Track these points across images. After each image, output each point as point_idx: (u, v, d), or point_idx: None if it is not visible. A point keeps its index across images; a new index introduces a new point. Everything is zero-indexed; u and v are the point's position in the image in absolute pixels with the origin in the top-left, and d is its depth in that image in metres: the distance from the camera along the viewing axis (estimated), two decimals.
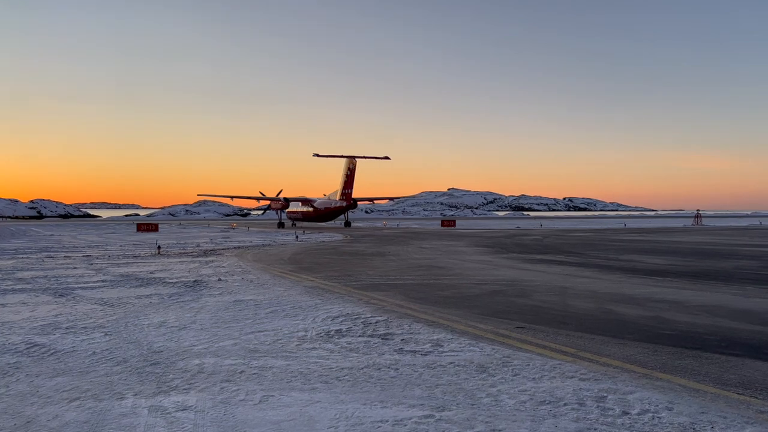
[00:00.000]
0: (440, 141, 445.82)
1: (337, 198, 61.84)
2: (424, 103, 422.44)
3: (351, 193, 61.19)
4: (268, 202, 68.04)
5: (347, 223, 64.03)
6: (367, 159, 63.55)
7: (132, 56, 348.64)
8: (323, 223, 65.12)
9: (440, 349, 7.19)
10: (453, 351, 7.10)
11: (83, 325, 9.01)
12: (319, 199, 64.65)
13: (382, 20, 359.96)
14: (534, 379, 5.90)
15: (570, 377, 5.95)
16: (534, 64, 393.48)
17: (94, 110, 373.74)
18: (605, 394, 5.37)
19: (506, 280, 14.47)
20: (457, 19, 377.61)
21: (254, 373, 6.24)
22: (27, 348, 7.51)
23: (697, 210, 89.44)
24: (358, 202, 66.69)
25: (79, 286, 13.94)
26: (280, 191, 65.71)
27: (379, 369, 6.34)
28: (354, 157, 61.44)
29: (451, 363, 6.55)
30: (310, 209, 64.21)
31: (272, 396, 5.44)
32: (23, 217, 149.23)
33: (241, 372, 6.30)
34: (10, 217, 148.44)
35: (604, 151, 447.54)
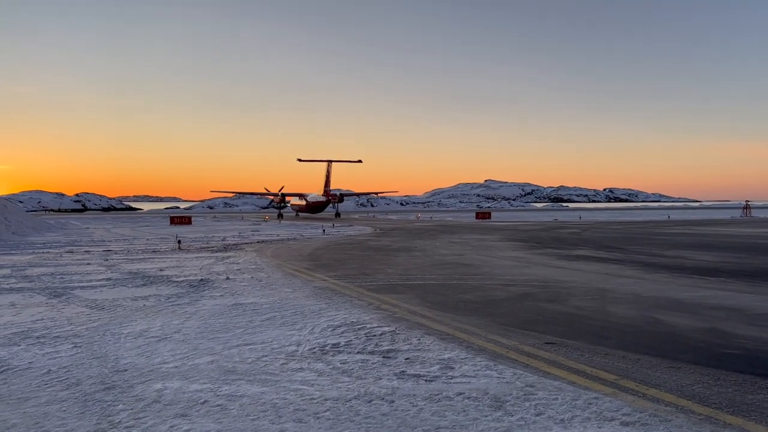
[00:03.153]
0: (477, 132, 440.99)
1: (321, 194, 73.50)
2: (459, 93, 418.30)
3: (329, 190, 73.44)
4: (271, 197, 79.39)
5: (337, 214, 74.29)
6: (342, 162, 75.10)
7: (169, 53, 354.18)
8: (316, 214, 75.61)
9: (450, 373, 5.96)
10: (465, 376, 5.86)
11: (57, 334, 8.09)
12: (311, 194, 74.58)
13: (417, 12, 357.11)
14: (562, 421, 4.64)
15: (609, 419, 4.66)
16: (572, 53, 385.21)
17: (136, 106, 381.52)
18: None
19: (538, 281, 13.10)
20: (495, 10, 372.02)
21: (218, 405, 5.13)
22: None
23: (746, 201, 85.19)
24: (345, 197, 78.87)
25: (81, 285, 13.16)
26: (282, 188, 76.58)
27: (371, 402, 5.16)
28: (330, 161, 73.33)
29: (461, 394, 5.32)
30: (304, 203, 74.38)
31: None
32: (67, 210, 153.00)
33: (204, 402, 5.20)
34: (54, 210, 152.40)
35: (645, 140, 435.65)
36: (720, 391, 5.36)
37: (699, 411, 4.84)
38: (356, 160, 76.66)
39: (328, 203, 73.65)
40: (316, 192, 75.02)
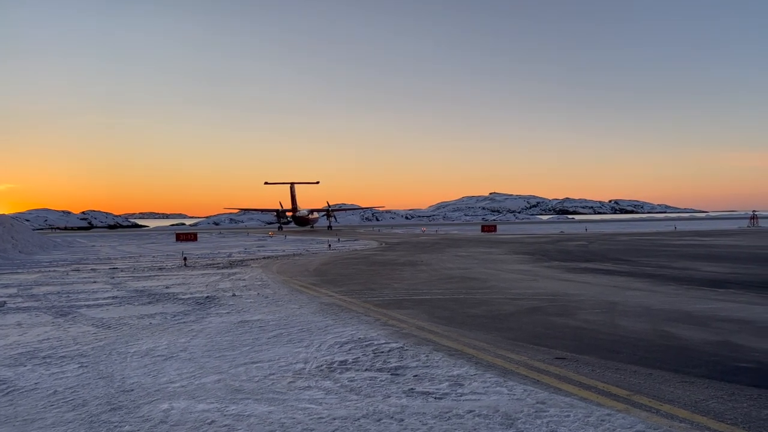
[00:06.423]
0: (481, 145, 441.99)
1: (290, 209, 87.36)
2: (463, 106, 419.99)
3: (296, 207, 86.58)
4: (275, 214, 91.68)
5: (329, 227, 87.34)
6: (302, 184, 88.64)
7: (171, 72, 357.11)
8: (304, 227, 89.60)
9: (459, 390, 5.88)
10: (474, 393, 5.78)
11: (63, 354, 8.04)
12: (300, 210, 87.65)
13: (422, 25, 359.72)
14: None
15: None
16: (576, 64, 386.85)
17: (141, 123, 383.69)
18: None
19: (547, 294, 13.00)
20: (499, 23, 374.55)
21: (225, 425, 5.07)
22: None
23: (753, 211, 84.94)
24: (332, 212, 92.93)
25: (87, 304, 13.13)
26: (281, 205, 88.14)
27: (379, 420, 5.09)
28: (293, 183, 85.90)
29: (470, 412, 5.24)
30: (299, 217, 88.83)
31: None
32: (73, 228, 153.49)
33: (210, 423, 5.14)
34: (60, 228, 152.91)
35: (650, 151, 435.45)
36: (735, 406, 5.27)
37: (714, 427, 4.75)
38: (315, 181, 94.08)
39: (308, 217, 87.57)
40: (304, 208, 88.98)
